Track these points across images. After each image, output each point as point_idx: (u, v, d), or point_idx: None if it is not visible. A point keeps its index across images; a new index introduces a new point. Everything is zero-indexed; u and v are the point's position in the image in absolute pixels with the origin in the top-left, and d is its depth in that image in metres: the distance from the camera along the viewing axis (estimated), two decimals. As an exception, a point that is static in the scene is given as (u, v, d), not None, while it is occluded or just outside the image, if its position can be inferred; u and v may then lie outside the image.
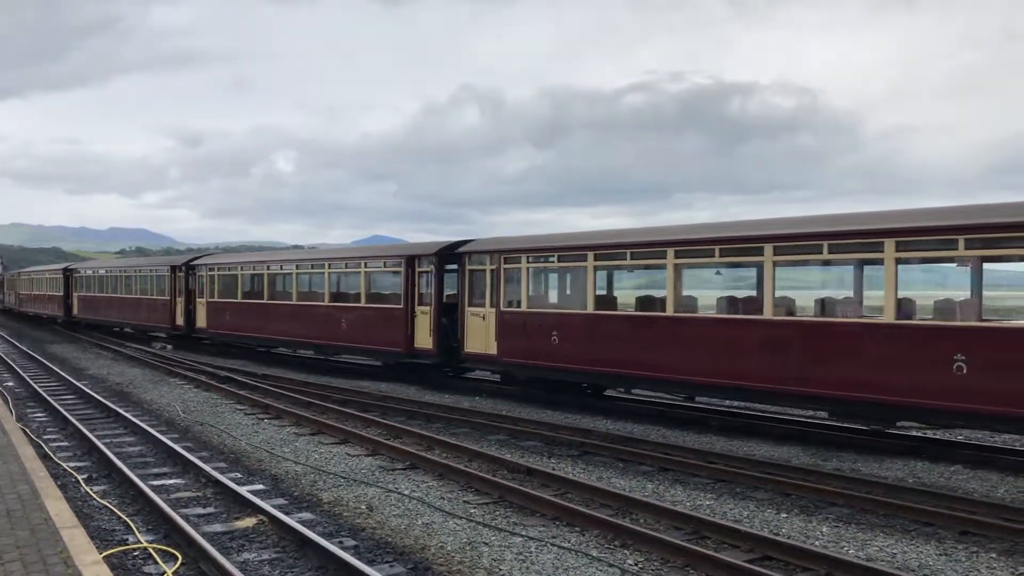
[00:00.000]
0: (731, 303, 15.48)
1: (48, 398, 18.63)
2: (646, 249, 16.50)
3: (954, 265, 12.96)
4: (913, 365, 12.19)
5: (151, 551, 8.30)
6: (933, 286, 13.50)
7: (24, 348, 33.94)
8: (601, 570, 7.82)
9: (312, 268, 27.13)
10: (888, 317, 12.63)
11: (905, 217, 12.95)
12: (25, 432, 13.89)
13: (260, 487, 11.07)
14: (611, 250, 17.15)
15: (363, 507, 9.98)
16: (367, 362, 26.03)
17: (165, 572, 7.73)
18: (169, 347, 33.78)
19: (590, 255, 17.24)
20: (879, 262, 12.78)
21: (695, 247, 15.55)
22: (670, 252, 15.55)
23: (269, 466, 12.34)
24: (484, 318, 19.50)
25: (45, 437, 14.40)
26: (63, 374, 23.82)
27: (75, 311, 46.16)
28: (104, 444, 13.26)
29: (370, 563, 7.86)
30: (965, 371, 11.64)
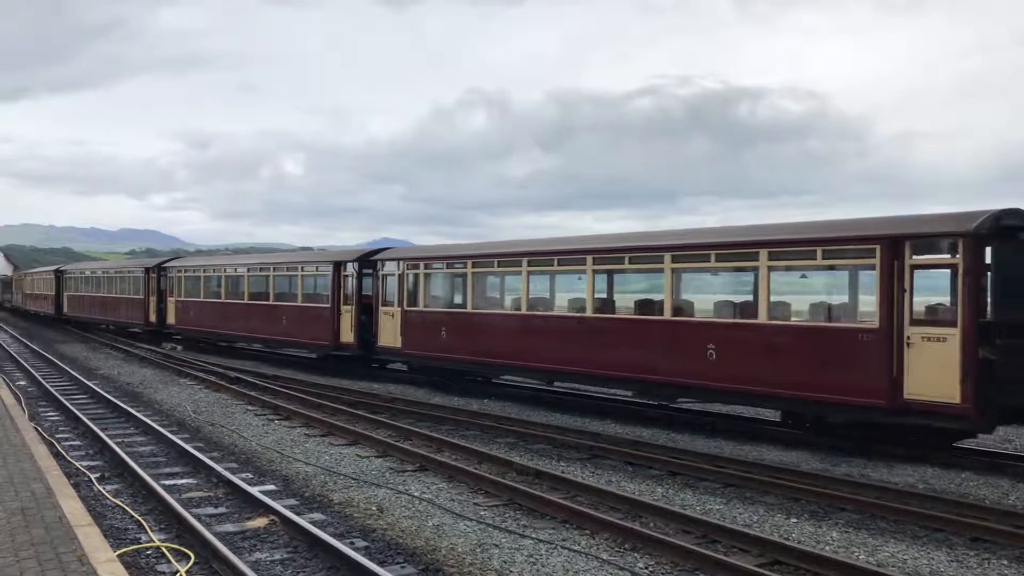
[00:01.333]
0: (572, 304, 18.33)
1: (60, 397, 18.76)
2: (509, 258, 20.00)
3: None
4: (683, 353, 15.30)
5: (164, 550, 8.36)
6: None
7: (36, 348, 34.15)
8: (612, 573, 7.84)
9: (260, 271, 30.11)
10: (667, 315, 15.80)
11: (681, 235, 16.76)
12: (38, 431, 13.98)
13: (271, 487, 11.13)
14: (483, 259, 20.67)
15: (373, 508, 10.02)
16: (304, 354, 28.54)
17: (178, 571, 7.78)
18: (179, 348, 34.02)
19: (469, 263, 20.74)
20: (661, 271, 15.99)
21: (511, 258, 19.71)
22: (524, 261, 19.10)
23: (280, 467, 12.40)
24: (393, 316, 22.69)
25: (57, 436, 14.50)
26: (74, 374, 23.97)
27: (65, 309, 49.91)
28: (116, 443, 13.35)
29: (381, 564, 7.90)
30: (714, 357, 14.73)
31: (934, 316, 12.68)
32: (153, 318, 36.89)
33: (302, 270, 27.41)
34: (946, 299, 12.89)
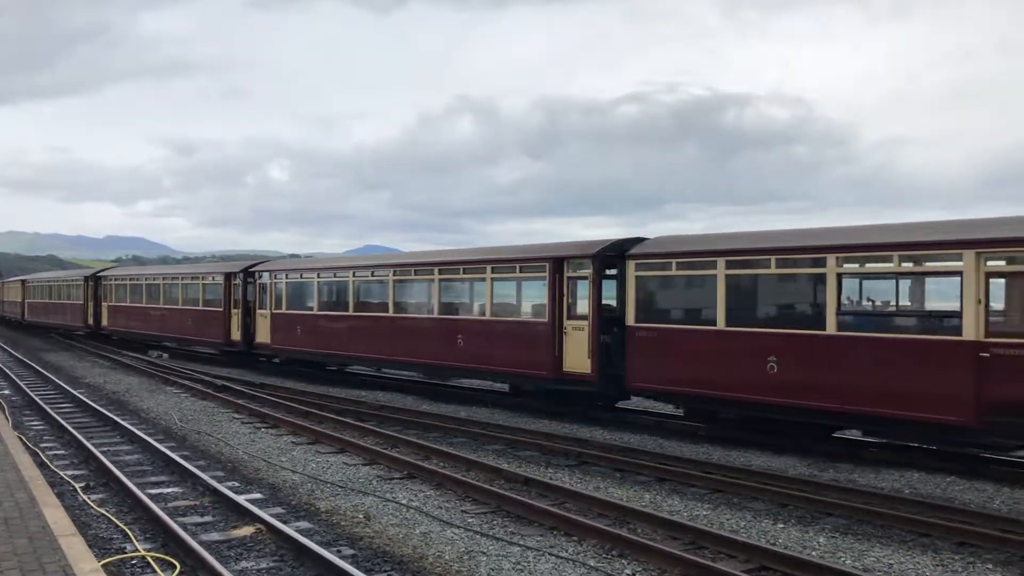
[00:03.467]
0: (382, 306, 22.56)
1: (45, 406, 18.60)
2: (342, 270, 24.70)
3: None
4: (444, 343, 19.89)
5: (149, 559, 8.30)
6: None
7: (20, 356, 33.86)
8: (599, 580, 7.83)
9: (172, 280, 34.92)
10: (436, 314, 20.44)
11: (443, 255, 21.62)
12: (22, 440, 13.88)
13: (258, 496, 11.07)
14: (324, 270, 25.57)
15: (361, 516, 9.99)
16: (207, 351, 33.27)
17: (163, 580, 7.73)
18: (165, 356, 33.93)
19: (315, 274, 25.56)
20: (432, 280, 20.70)
21: (343, 270, 24.60)
22: (349, 273, 23.94)
23: (267, 475, 12.34)
24: (265, 317, 27.36)
25: (42, 445, 14.38)
26: (59, 382, 23.78)
27: (26, 315, 55.40)
28: (101, 452, 13.26)
29: (368, 572, 7.88)
30: (462, 344, 19.34)
31: (578, 312, 17.18)
32: (91, 322, 41.72)
33: (203, 280, 32.02)
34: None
